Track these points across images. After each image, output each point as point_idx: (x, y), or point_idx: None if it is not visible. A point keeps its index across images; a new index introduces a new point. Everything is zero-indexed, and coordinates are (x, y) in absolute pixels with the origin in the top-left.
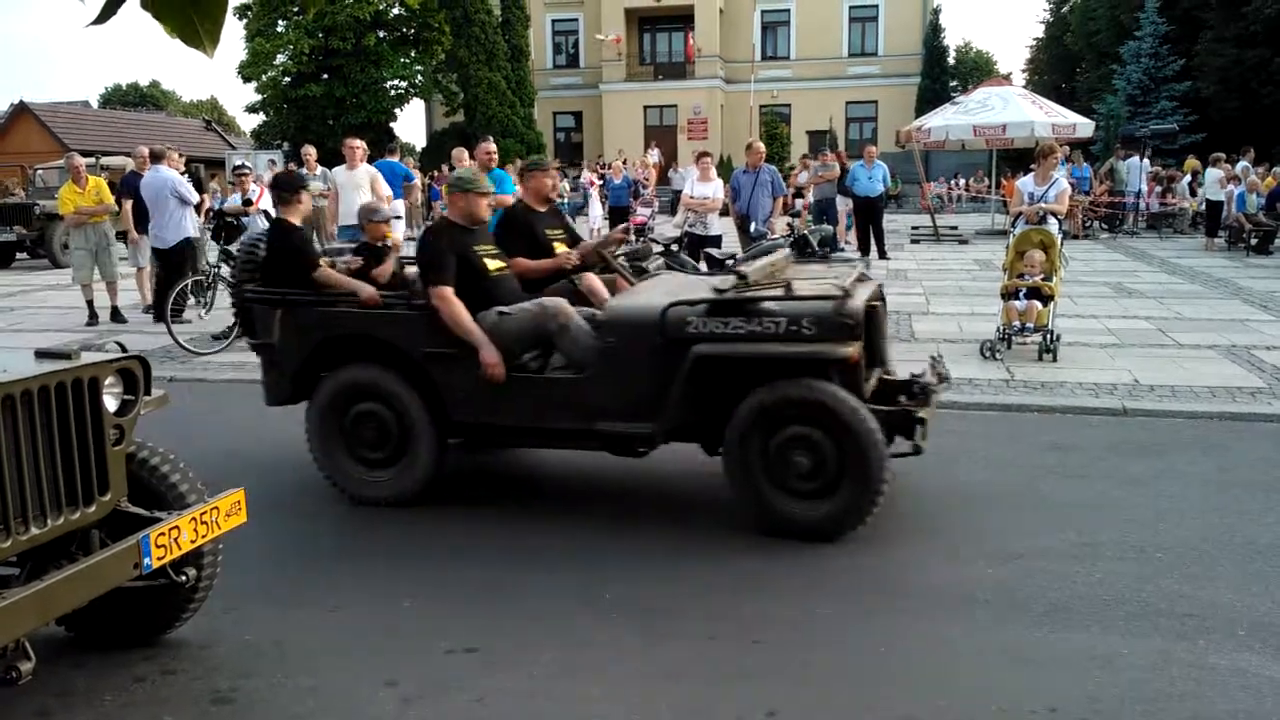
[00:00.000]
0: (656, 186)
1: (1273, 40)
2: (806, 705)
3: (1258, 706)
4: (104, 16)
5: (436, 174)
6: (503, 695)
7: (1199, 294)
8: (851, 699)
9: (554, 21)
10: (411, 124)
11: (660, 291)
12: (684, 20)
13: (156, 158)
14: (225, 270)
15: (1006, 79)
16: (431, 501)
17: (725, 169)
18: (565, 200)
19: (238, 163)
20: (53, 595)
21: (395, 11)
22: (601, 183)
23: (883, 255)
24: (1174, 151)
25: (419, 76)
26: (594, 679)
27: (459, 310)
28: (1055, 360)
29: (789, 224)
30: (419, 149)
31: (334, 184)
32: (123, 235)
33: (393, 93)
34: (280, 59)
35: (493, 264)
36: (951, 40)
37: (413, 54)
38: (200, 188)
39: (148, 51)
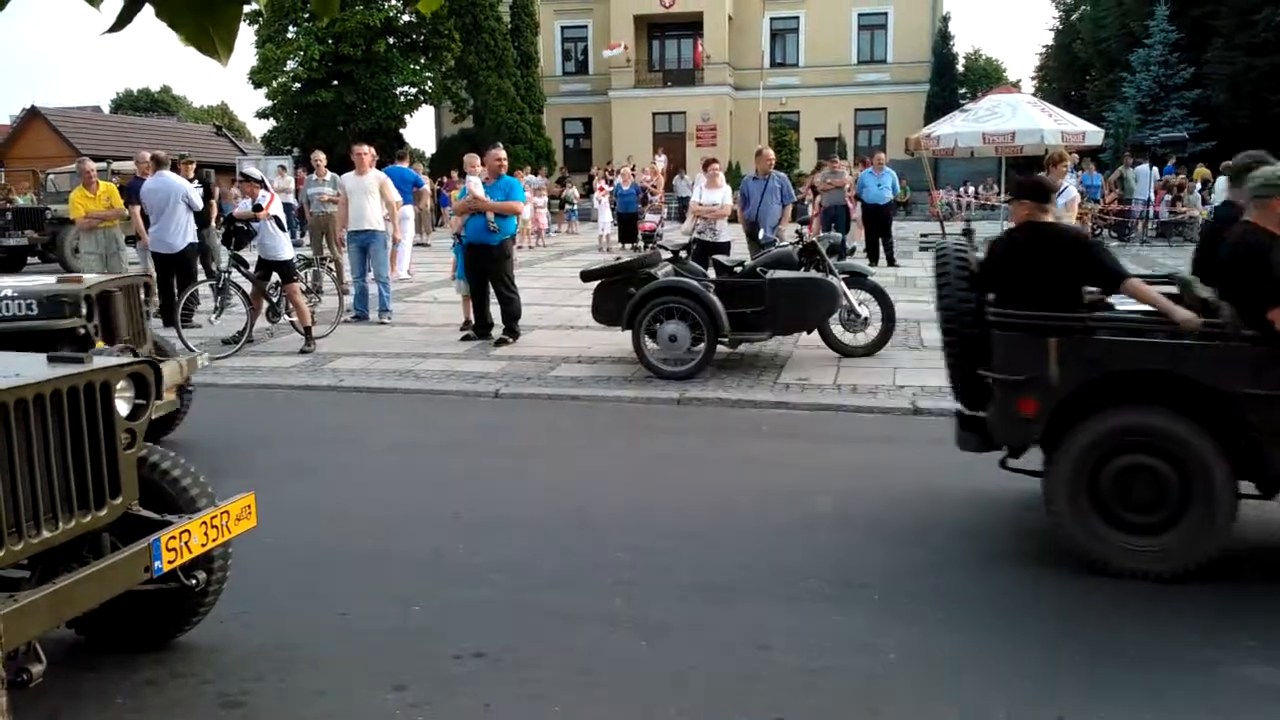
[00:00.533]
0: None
1: None
2: (813, 711)
3: (1267, 718)
4: (119, 24)
5: (446, 180)
6: (510, 701)
7: None
8: (858, 705)
9: (563, 28)
10: (421, 130)
11: None
12: (693, 27)
13: (160, 164)
14: (236, 275)
15: (1016, 86)
16: (438, 506)
17: (734, 176)
18: (574, 207)
19: (245, 171)
20: (64, 598)
21: (405, 18)
22: (610, 189)
23: (891, 263)
24: (1182, 160)
25: (429, 83)
26: (601, 685)
27: None
28: None
29: (797, 231)
30: (428, 155)
31: (343, 190)
32: (132, 240)
33: (402, 99)
34: (290, 65)
35: None
36: (961, 47)
37: (422, 60)
38: (210, 193)
39: (159, 57)
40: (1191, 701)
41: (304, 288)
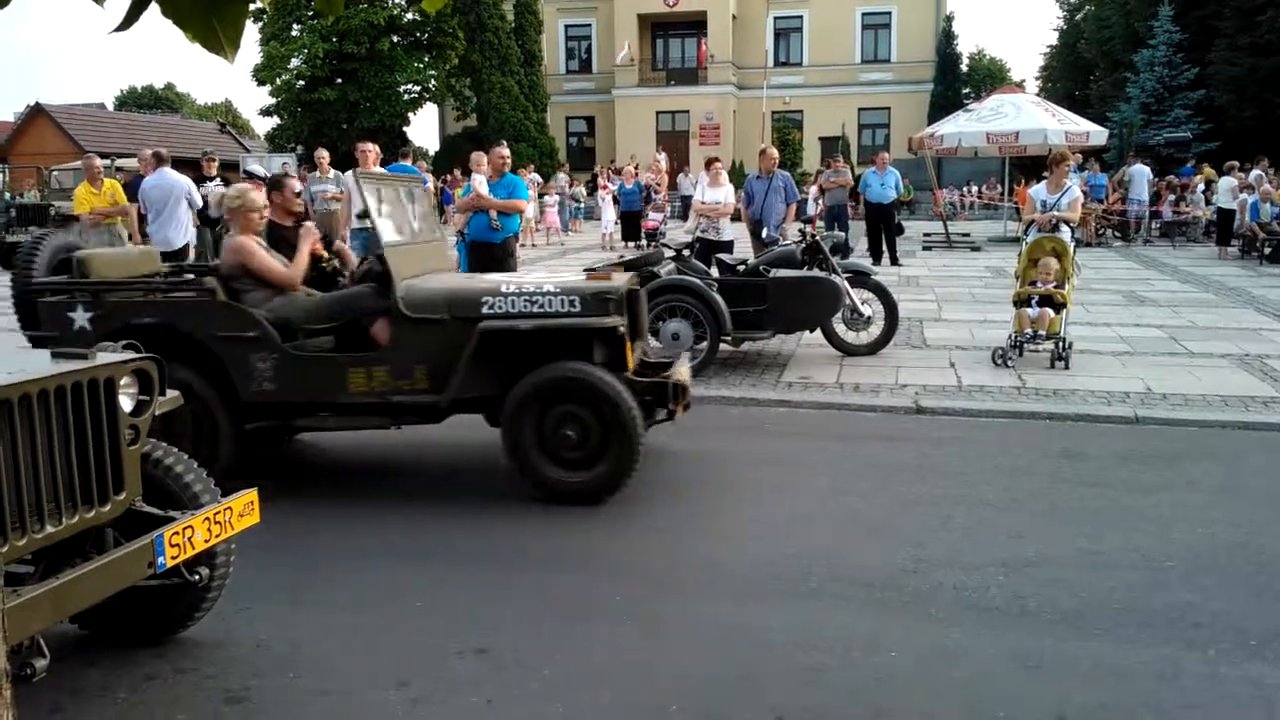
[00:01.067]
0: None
1: None
2: (815, 709)
3: (1269, 717)
4: (127, 23)
5: (449, 178)
6: (512, 697)
7: (1212, 303)
8: (860, 704)
9: (567, 27)
10: (424, 128)
11: None
12: (697, 26)
13: (161, 161)
14: None
15: (1019, 86)
16: (443, 503)
17: (738, 175)
18: (581, 204)
19: (249, 169)
20: (67, 593)
21: (409, 16)
22: (614, 188)
23: (895, 262)
24: (1186, 160)
25: (432, 81)
26: (604, 681)
27: None
28: (1067, 368)
29: (801, 230)
30: (432, 153)
31: (347, 187)
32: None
33: (406, 97)
34: (295, 62)
35: None
36: (964, 47)
37: (426, 58)
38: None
39: (163, 54)
40: (1192, 701)
41: None
